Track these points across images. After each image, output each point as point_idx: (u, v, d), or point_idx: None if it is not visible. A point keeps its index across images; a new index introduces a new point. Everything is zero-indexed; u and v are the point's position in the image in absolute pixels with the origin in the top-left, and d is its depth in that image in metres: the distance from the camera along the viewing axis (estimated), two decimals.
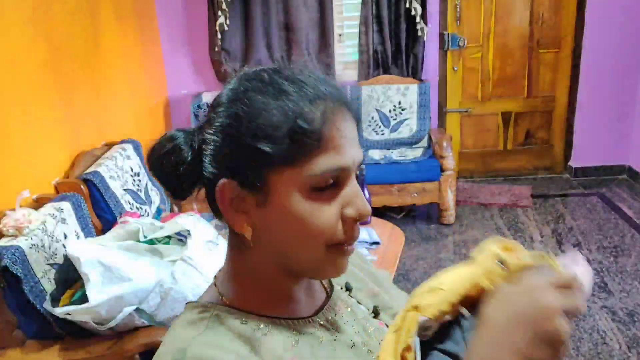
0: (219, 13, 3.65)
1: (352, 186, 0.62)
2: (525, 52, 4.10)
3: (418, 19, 3.71)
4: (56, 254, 1.86)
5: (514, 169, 4.34)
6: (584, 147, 4.19)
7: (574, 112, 4.15)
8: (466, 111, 4.18)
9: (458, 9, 3.95)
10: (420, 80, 3.84)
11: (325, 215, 0.60)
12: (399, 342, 0.59)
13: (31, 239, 1.77)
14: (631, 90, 4.03)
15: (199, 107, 3.46)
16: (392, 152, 3.70)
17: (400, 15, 3.76)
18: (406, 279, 2.96)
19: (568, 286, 0.51)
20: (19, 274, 1.67)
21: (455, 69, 4.07)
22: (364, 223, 2.42)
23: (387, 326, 0.76)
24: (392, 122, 3.80)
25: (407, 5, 3.70)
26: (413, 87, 3.76)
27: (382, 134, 3.81)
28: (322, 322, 0.68)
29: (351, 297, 0.76)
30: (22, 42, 2.15)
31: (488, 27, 4.03)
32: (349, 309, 0.73)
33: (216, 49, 3.77)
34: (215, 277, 0.70)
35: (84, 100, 2.65)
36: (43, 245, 1.82)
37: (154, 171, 0.67)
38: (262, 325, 0.63)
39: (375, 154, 3.68)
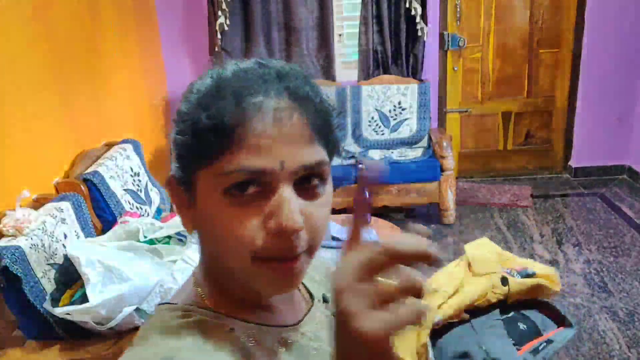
0: (219, 13, 3.65)
1: (280, 194, 0.53)
2: (525, 52, 4.09)
3: (418, 19, 3.71)
4: (56, 254, 1.86)
5: (514, 169, 4.34)
6: (584, 147, 4.19)
7: (574, 112, 4.15)
8: (466, 111, 4.18)
9: (458, 9, 3.95)
10: (420, 80, 3.84)
11: (243, 223, 0.54)
12: (412, 339, 0.59)
13: (31, 239, 1.77)
14: (631, 90, 4.03)
15: None
16: (392, 152, 3.70)
17: (400, 15, 3.76)
18: None
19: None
20: (19, 274, 1.67)
21: (455, 69, 4.07)
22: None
23: None
24: (392, 122, 3.80)
25: (407, 5, 3.70)
26: (413, 87, 3.76)
27: (382, 134, 3.81)
28: (305, 331, 0.66)
29: (328, 309, 0.74)
30: (22, 42, 2.15)
31: (488, 27, 4.03)
32: (327, 320, 0.71)
33: (216, 49, 3.77)
34: (193, 273, 0.66)
35: (84, 100, 2.65)
36: (43, 245, 1.82)
37: None
38: (247, 333, 0.60)
39: (375, 154, 3.68)
